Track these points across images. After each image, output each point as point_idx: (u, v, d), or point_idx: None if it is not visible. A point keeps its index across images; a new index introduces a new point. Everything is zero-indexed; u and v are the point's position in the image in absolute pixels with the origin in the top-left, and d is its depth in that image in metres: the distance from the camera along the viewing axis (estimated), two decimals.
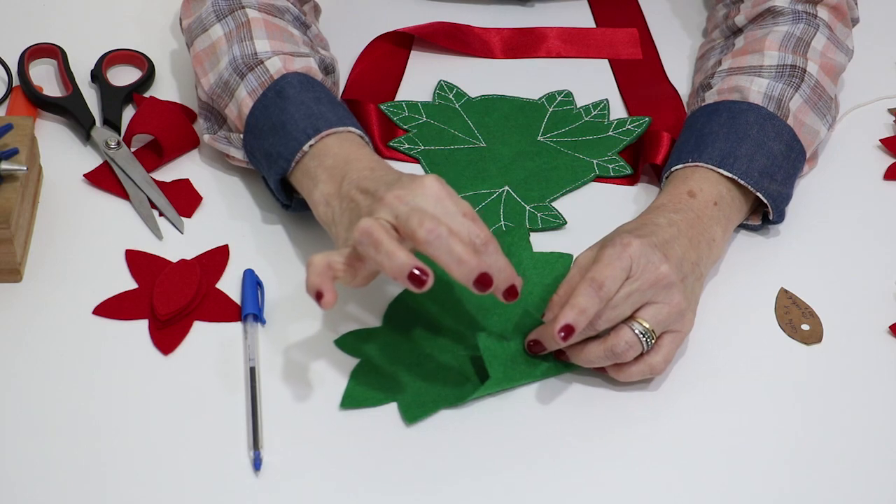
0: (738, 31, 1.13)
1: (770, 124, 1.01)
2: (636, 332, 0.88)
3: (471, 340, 0.93)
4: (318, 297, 0.83)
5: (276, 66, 1.00)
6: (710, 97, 1.06)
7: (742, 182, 0.98)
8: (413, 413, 0.89)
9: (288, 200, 0.99)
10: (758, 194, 0.99)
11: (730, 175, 0.98)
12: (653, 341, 0.89)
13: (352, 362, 0.92)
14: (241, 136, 1.00)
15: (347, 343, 0.93)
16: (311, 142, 0.94)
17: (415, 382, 0.91)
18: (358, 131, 0.96)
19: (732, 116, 1.02)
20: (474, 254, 0.81)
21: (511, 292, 0.84)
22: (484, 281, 0.81)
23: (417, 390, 0.90)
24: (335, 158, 0.93)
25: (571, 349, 0.90)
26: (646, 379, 0.91)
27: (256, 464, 0.85)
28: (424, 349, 0.93)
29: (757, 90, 1.03)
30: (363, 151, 0.94)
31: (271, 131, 0.97)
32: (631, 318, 0.89)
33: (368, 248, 0.82)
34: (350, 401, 0.90)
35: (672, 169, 1.01)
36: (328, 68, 1.06)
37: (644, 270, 0.88)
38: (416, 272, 0.80)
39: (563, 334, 0.86)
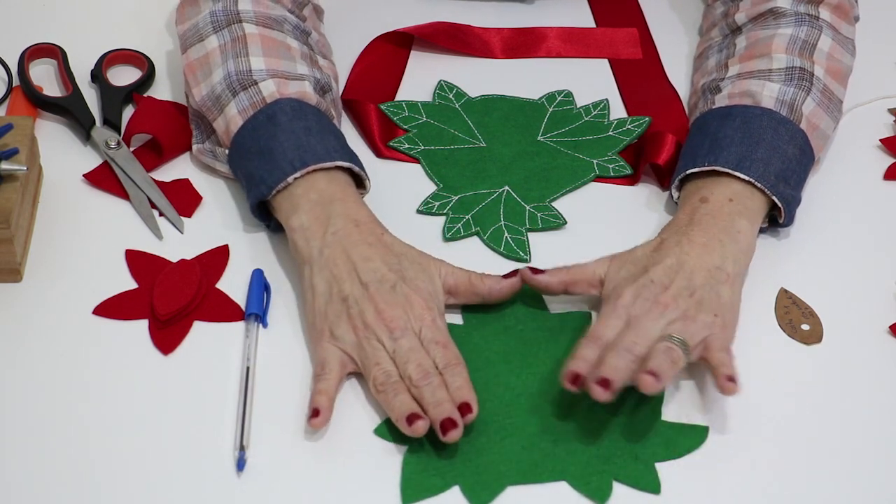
0: (737, 30, 1.12)
1: (784, 128, 1.01)
2: (667, 341, 0.89)
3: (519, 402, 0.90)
4: (315, 413, 0.87)
5: (269, 90, 1.00)
6: (721, 100, 1.05)
7: (759, 185, 0.98)
8: (481, 497, 0.84)
9: (265, 220, 0.99)
10: (773, 198, 0.99)
11: (747, 178, 0.98)
12: (688, 348, 0.89)
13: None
14: (227, 151, 1.01)
15: (388, 430, 0.87)
16: (297, 174, 0.95)
17: (473, 460, 0.85)
18: (346, 164, 0.97)
19: (746, 121, 1.01)
20: (451, 403, 0.86)
21: (463, 409, 0.87)
22: (448, 425, 0.85)
23: (478, 469, 0.85)
24: (321, 195, 0.95)
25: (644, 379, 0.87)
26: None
27: (240, 464, 0.85)
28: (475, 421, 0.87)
29: (769, 95, 1.03)
30: (348, 192, 0.96)
31: (258, 154, 0.97)
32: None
33: (385, 395, 0.87)
34: (410, 495, 0.84)
35: (687, 171, 1.01)
36: (324, 87, 1.04)
37: (642, 308, 0.91)
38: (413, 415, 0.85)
39: (569, 380, 0.87)
